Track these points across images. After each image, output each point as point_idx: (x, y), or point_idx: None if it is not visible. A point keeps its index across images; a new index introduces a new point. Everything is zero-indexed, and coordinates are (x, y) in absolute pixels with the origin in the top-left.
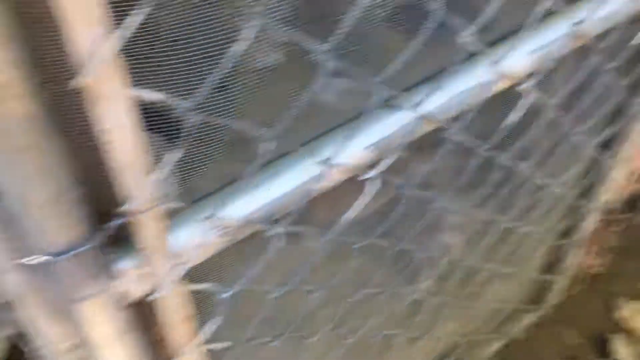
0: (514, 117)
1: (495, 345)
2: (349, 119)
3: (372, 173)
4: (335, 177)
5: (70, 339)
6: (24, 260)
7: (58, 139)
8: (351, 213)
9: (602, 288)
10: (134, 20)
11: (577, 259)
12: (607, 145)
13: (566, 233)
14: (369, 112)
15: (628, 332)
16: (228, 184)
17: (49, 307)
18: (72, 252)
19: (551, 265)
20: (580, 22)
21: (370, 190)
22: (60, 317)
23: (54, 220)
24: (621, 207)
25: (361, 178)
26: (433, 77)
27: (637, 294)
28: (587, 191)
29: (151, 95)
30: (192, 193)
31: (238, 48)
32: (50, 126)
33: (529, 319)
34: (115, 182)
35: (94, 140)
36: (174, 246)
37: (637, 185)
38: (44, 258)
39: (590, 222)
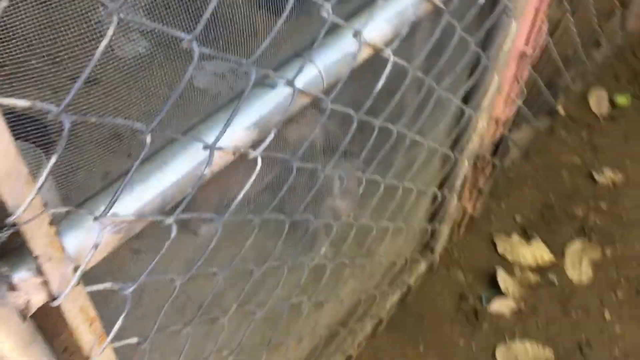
0: (380, 82)
1: (395, 297)
2: (227, 102)
3: (256, 152)
4: (221, 160)
5: None
6: None
7: None
8: (242, 193)
9: (481, 229)
10: None
11: (455, 206)
12: (469, 97)
13: (444, 183)
14: (246, 92)
15: (509, 264)
16: (115, 180)
17: None
18: None
19: (435, 214)
20: None
21: (256, 169)
22: None
23: None
24: (487, 152)
25: (248, 158)
26: (302, 52)
27: (511, 229)
28: (457, 142)
29: (19, 102)
30: (80, 193)
31: (102, 45)
32: None
33: (421, 267)
34: None
35: None
36: (69, 250)
37: (498, 132)
38: None
39: (463, 170)
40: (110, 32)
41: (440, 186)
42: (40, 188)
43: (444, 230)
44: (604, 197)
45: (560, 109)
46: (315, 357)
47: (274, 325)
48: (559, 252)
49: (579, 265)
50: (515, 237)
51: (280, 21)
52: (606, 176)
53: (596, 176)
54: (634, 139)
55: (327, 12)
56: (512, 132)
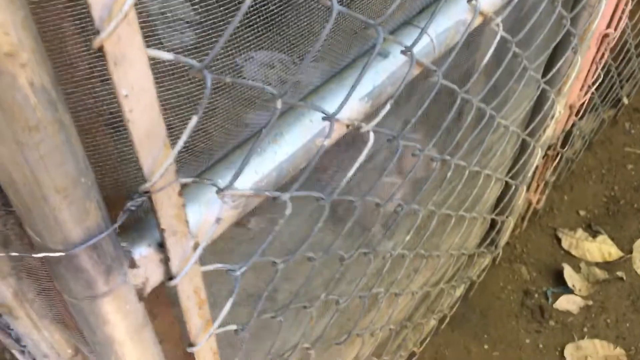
0: (487, 55)
1: (458, 292)
2: (338, 70)
3: (369, 125)
4: (337, 133)
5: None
6: (38, 256)
7: (69, 114)
8: (352, 171)
9: (544, 222)
10: None
11: (523, 197)
12: (551, 79)
13: (516, 172)
14: (371, 58)
15: (575, 260)
16: (231, 151)
17: (62, 308)
18: (92, 241)
19: (503, 207)
20: None
21: (369, 144)
22: (75, 317)
23: (72, 207)
24: (557, 142)
25: (362, 130)
26: (413, 19)
27: (575, 224)
28: (534, 128)
29: (164, 55)
30: (194, 164)
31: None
32: (61, 100)
33: (484, 262)
34: (134, 157)
35: (93, 120)
36: (190, 225)
37: (570, 120)
38: (60, 253)
39: (536, 159)
40: None
41: (512, 176)
42: (177, 152)
43: (510, 224)
44: None
45: (625, 99)
46: (380, 354)
47: (352, 318)
48: (626, 247)
49: None
50: (580, 232)
51: None
52: None
53: None
54: None
55: None
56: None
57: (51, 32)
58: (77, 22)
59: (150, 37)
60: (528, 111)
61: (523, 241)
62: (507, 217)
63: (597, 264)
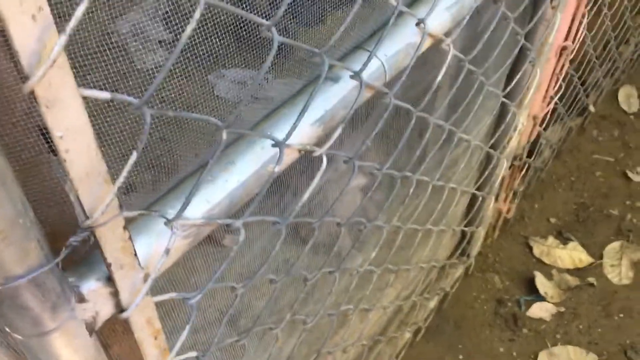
0: (440, 75)
1: (432, 304)
2: (289, 97)
3: (322, 149)
4: (289, 157)
5: None
6: None
7: (3, 158)
8: (306, 194)
9: (515, 231)
10: (81, 11)
11: (492, 208)
12: (511, 93)
13: (482, 184)
14: (318, 85)
15: (546, 267)
16: (181, 181)
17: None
18: (30, 275)
19: (471, 217)
20: None
21: (323, 167)
22: (27, 355)
23: (11, 247)
24: (523, 152)
25: (315, 154)
26: (362, 43)
27: (546, 232)
28: (498, 141)
29: (101, 95)
30: (143, 196)
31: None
32: None
33: (457, 272)
34: (73, 194)
35: (36, 156)
36: (139, 256)
37: (535, 131)
38: None
39: (502, 170)
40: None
41: (478, 188)
42: (119, 188)
43: (480, 234)
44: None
45: (591, 107)
46: None
47: (322, 336)
48: (596, 254)
49: (618, 266)
50: (551, 240)
51: (354, 9)
52: None
53: (631, 175)
54: None
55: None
56: (545, 131)
57: None
58: (11, 62)
59: (123, 58)
60: (491, 124)
61: (495, 250)
62: (476, 227)
63: (568, 271)
